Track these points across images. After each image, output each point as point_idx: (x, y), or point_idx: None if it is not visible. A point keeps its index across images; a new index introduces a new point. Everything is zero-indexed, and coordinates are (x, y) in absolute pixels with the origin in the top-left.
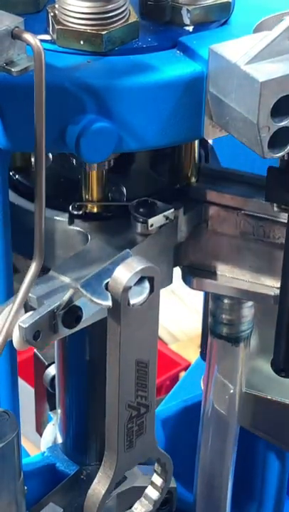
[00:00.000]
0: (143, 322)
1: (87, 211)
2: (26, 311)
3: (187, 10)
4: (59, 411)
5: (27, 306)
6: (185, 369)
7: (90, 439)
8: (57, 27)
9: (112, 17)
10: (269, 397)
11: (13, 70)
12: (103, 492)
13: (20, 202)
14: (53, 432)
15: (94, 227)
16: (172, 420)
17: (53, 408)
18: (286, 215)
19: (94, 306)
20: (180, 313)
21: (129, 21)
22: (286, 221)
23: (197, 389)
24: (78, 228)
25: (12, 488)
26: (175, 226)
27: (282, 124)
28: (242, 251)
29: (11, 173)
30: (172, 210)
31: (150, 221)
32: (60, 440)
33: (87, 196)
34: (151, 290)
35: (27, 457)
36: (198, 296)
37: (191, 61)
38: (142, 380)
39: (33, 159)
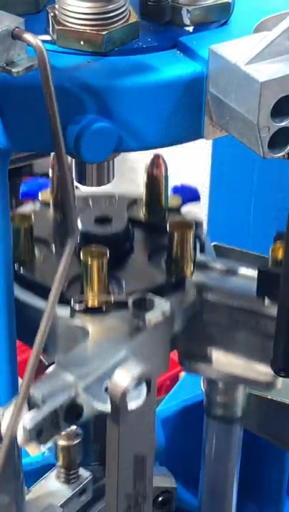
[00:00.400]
0: (141, 421)
1: (88, 304)
2: (30, 406)
3: (187, 10)
4: None
5: (31, 403)
6: None
7: (90, 440)
8: (57, 27)
9: (112, 17)
10: (269, 397)
11: (13, 70)
12: None
13: (26, 297)
14: None
15: (94, 320)
16: (172, 420)
17: None
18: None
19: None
20: None
21: (130, 21)
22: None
23: (197, 389)
24: (79, 322)
25: (12, 488)
26: (171, 319)
27: (283, 124)
28: (236, 339)
29: (15, 266)
30: (168, 305)
31: (147, 317)
32: None
33: (87, 289)
34: (148, 391)
35: (27, 457)
36: None
37: (191, 61)
38: (140, 472)
39: (36, 251)
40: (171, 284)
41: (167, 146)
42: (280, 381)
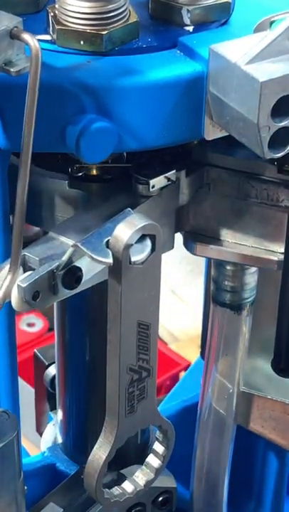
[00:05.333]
0: (144, 282)
1: (87, 173)
2: (25, 270)
3: (187, 10)
4: (59, 411)
5: (26, 267)
6: (185, 369)
7: (90, 439)
8: (57, 27)
9: (112, 17)
10: (269, 397)
11: (11, 70)
12: (104, 458)
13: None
14: (53, 432)
15: (94, 189)
16: (172, 420)
17: (53, 408)
18: None
19: (94, 266)
20: (180, 313)
21: (129, 21)
22: None
23: (197, 389)
24: (78, 190)
25: (12, 488)
26: (177, 188)
27: (283, 124)
28: (245, 215)
29: None
30: (174, 171)
31: (151, 182)
32: (60, 440)
33: None
34: (153, 249)
35: (27, 457)
36: (199, 296)
37: (192, 61)
38: (143, 342)
39: None
40: (175, 153)
41: (167, 145)
42: None
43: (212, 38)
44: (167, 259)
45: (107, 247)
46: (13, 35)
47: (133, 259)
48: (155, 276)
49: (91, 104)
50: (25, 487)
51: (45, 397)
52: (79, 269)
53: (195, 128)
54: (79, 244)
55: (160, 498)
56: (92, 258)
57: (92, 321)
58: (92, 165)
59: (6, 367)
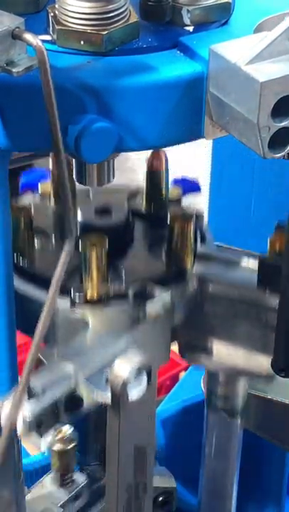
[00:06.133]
0: (141, 411)
1: (87, 296)
2: (30, 396)
3: (187, 10)
4: None
5: (30, 393)
6: (185, 369)
7: (89, 440)
8: (57, 27)
9: (112, 17)
10: (269, 397)
11: (13, 70)
12: None
13: (26, 288)
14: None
15: (94, 311)
16: (172, 420)
17: None
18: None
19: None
20: None
21: (130, 21)
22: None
23: (197, 389)
24: (79, 314)
25: (12, 488)
26: (172, 310)
27: (283, 124)
28: (236, 330)
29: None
30: (169, 295)
31: (148, 308)
32: None
33: (87, 280)
34: (149, 381)
35: (27, 457)
36: None
37: (192, 61)
38: (140, 464)
39: (36, 242)
40: (171, 275)
41: (167, 146)
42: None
43: (212, 38)
44: None
45: (106, 381)
46: (15, 36)
47: (131, 397)
48: (151, 404)
49: (91, 105)
50: (26, 487)
51: None
52: (80, 398)
53: (195, 128)
54: (81, 382)
55: (160, 499)
56: (94, 397)
57: None
58: (93, 288)
59: (6, 367)
